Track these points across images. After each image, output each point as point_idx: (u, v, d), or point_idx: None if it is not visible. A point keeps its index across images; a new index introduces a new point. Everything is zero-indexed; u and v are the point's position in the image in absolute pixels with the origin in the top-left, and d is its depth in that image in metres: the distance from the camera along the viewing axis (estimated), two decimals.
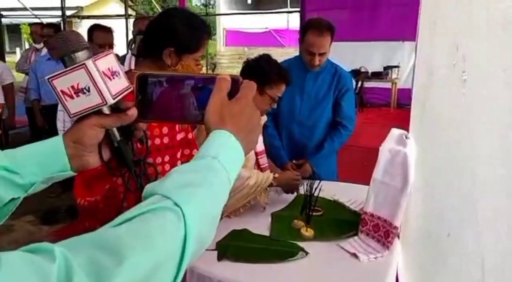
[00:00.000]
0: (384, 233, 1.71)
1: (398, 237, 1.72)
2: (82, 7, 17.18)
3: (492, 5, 0.67)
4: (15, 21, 16.45)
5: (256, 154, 2.26)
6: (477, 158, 0.73)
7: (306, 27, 2.56)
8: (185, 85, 0.73)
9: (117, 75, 0.74)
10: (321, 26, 2.49)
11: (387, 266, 1.61)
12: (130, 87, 0.76)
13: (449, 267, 0.90)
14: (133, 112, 0.74)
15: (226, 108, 0.68)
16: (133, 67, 3.84)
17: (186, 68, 1.59)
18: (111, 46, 3.78)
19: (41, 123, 4.60)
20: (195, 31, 1.60)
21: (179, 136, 1.67)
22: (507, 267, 0.60)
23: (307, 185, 1.96)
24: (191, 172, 0.61)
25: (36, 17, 11.15)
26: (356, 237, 1.80)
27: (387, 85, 9.39)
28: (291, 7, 16.35)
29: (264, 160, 2.34)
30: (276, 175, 2.08)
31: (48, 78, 0.69)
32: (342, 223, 1.93)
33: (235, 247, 1.70)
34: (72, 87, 0.69)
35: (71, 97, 0.70)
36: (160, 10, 15.35)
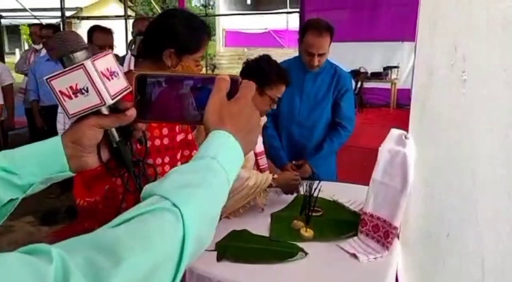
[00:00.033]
0: (383, 233, 1.71)
1: (398, 237, 1.72)
2: (81, 8, 17.18)
3: (492, 5, 0.67)
4: (14, 22, 16.47)
5: (256, 154, 2.26)
6: (477, 158, 0.73)
7: (305, 27, 2.56)
8: (184, 86, 0.73)
9: (116, 76, 0.74)
10: (320, 27, 2.49)
11: (386, 267, 1.61)
12: (129, 88, 0.76)
13: (449, 267, 0.90)
14: (132, 112, 0.74)
15: (225, 108, 0.67)
16: (132, 67, 3.83)
17: (186, 69, 1.59)
18: (111, 47, 3.78)
19: (40, 124, 4.60)
20: (195, 32, 1.60)
21: (179, 138, 1.67)
22: (507, 267, 0.60)
23: (306, 185, 1.96)
24: (190, 172, 0.60)
25: (35, 18, 11.16)
26: (355, 238, 1.80)
27: (387, 85, 9.40)
28: (290, 7, 16.36)
29: (263, 161, 2.34)
30: (275, 176, 2.08)
31: (47, 79, 0.68)
32: (342, 224, 1.92)
33: (234, 247, 1.70)
34: (71, 87, 0.69)
35: (70, 97, 0.69)
36: (159, 11, 15.34)
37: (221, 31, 20.39)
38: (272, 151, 2.64)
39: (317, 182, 1.93)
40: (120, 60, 4.18)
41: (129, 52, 4.23)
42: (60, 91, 0.69)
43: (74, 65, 0.69)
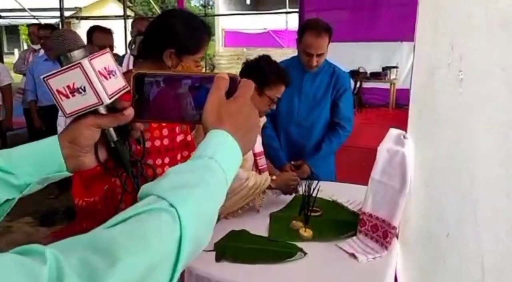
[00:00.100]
0: (382, 233, 1.71)
1: (397, 237, 1.72)
2: (80, 8, 17.17)
3: (491, 4, 0.67)
4: (13, 22, 16.45)
5: (255, 154, 2.26)
6: (476, 158, 0.73)
7: (304, 28, 2.56)
8: (183, 85, 0.72)
9: (113, 75, 0.74)
10: (318, 27, 2.49)
11: (385, 267, 1.60)
12: (127, 87, 0.75)
13: (449, 267, 0.89)
14: (130, 112, 0.73)
15: (224, 107, 0.67)
16: (131, 67, 3.83)
17: (186, 69, 1.59)
18: (111, 47, 3.76)
19: (38, 124, 4.60)
20: (196, 32, 1.60)
21: (179, 138, 1.67)
22: (507, 267, 0.59)
23: (305, 185, 1.95)
24: (187, 172, 0.60)
25: (34, 18, 11.15)
26: (354, 238, 1.80)
27: (386, 85, 9.39)
28: (289, 7, 16.34)
29: (262, 161, 2.33)
30: (274, 177, 2.07)
31: (44, 78, 0.68)
32: (341, 224, 1.92)
33: (233, 247, 1.69)
34: (68, 86, 0.68)
35: (67, 97, 0.69)
36: (159, 11, 15.33)
37: (220, 31, 20.36)
38: (271, 151, 2.63)
39: (316, 182, 1.92)
40: (120, 59, 4.17)
41: (128, 51, 4.22)
42: (57, 91, 0.69)
43: (71, 64, 0.68)
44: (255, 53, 2.85)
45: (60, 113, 3.60)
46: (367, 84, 9.52)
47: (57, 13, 10.16)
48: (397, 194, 1.62)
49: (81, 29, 12.34)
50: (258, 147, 2.29)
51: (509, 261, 0.59)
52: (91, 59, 0.69)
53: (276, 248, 1.71)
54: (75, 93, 0.69)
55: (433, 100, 1.13)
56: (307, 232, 1.82)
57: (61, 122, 3.68)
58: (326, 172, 2.66)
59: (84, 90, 0.69)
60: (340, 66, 2.77)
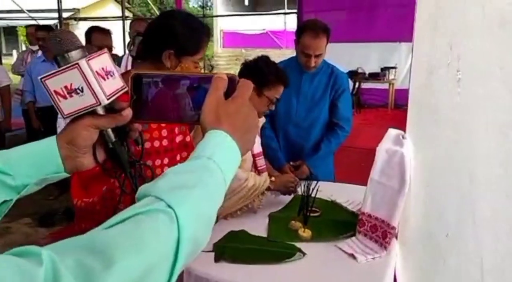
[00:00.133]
0: (381, 233, 1.70)
1: (396, 237, 1.72)
2: (78, 9, 17.14)
3: (489, 3, 0.67)
4: (11, 23, 16.43)
5: (254, 155, 2.25)
6: (476, 158, 0.73)
7: (302, 29, 2.56)
8: (181, 85, 0.72)
9: (111, 75, 0.73)
10: (316, 28, 2.49)
11: (385, 267, 1.60)
12: (125, 87, 0.75)
13: (448, 267, 0.89)
14: (128, 113, 0.73)
15: (222, 107, 0.67)
16: (130, 68, 3.82)
17: (185, 70, 1.59)
18: (110, 48, 3.74)
19: (36, 125, 4.60)
20: (195, 33, 1.60)
21: (178, 139, 1.66)
22: (507, 267, 0.59)
23: (304, 186, 1.95)
24: (185, 172, 0.60)
25: (32, 19, 11.13)
26: (353, 238, 1.80)
27: (385, 86, 9.42)
28: (288, 8, 16.39)
29: (262, 162, 2.33)
30: (273, 179, 2.07)
31: (41, 78, 0.68)
32: (340, 224, 1.92)
33: (232, 248, 1.69)
34: (65, 87, 0.68)
35: (65, 97, 0.69)
36: (157, 12, 15.34)
37: (219, 32, 20.36)
38: (270, 152, 2.63)
39: (315, 182, 1.92)
40: (118, 60, 4.16)
41: (127, 52, 4.21)
42: (55, 91, 0.68)
43: (69, 65, 0.68)
44: (253, 54, 2.85)
45: (59, 115, 3.58)
46: (365, 85, 9.54)
47: (55, 14, 10.12)
48: (396, 194, 1.62)
49: (80, 30, 12.33)
50: (257, 148, 2.28)
51: (508, 261, 0.59)
52: (88, 60, 0.69)
53: (275, 249, 1.71)
54: (73, 94, 0.68)
55: (432, 100, 1.13)
56: (306, 233, 1.82)
57: (61, 124, 3.66)
58: (325, 172, 2.66)
59: (82, 91, 0.68)
60: (339, 67, 2.77)
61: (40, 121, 4.56)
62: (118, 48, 7.97)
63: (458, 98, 0.81)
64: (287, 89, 2.22)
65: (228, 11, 20.65)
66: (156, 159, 1.58)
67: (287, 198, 2.19)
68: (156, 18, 1.73)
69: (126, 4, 14.84)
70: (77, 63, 0.67)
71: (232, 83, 0.70)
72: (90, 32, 3.69)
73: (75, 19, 15.92)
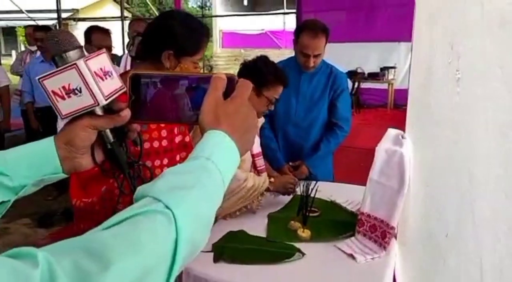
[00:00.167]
0: (381, 233, 1.70)
1: (395, 237, 1.72)
2: (77, 10, 17.13)
3: (487, 2, 0.66)
4: (10, 23, 16.42)
5: (253, 155, 2.25)
6: (475, 158, 0.72)
7: (301, 28, 2.56)
8: (180, 85, 0.72)
9: (109, 76, 0.73)
10: (315, 28, 2.49)
11: (384, 267, 1.60)
12: (124, 88, 0.75)
13: (448, 267, 0.89)
14: (126, 113, 0.72)
15: (221, 107, 0.66)
16: (129, 67, 3.81)
17: (185, 70, 1.58)
18: (110, 48, 3.72)
19: (35, 125, 4.59)
20: (194, 33, 1.60)
21: (177, 139, 1.66)
22: (505, 267, 0.59)
23: (303, 186, 1.95)
24: (183, 173, 0.59)
25: (31, 20, 11.12)
26: (353, 238, 1.80)
27: (384, 86, 9.41)
28: (287, 8, 16.39)
29: (261, 162, 2.33)
30: (272, 180, 2.07)
31: (39, 78, 0.67)
32: (339, 224, 1.92)
33: (231, 248, 1.69)
34: (63, 87, 0.68)
35: (63, 98, 0.68)
36: (156, 12, 15.33)
37: (218, 32, 20.36)
38: (269, 152, 2.63)
39: (314, 182, 1.92)
40: (117, 60, 4.15)
41: (126, 52, 4.20)
42: (53, 92, 0.68)
43: (66, 65, 0.67)
44: (252, 54, 2.84)
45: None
46: (365, 85, 9.54)
47: (54, 15, 10.12)
48: (396, 194, 1.62)
49: (79, 30, 12.33)
50: (256, 148, 2.28)
51: (507, 261, 0.58)
52: (86, 60, 0.68)
53: (274, 249, 1.71)
54: (71, 95, 0.68)
55: (431, 100, 1.13)
56: (305, 233, 1.82)
57: (61, 125, 3.64)
58: (324, 172, 2.66)
59: (80, 91, 0.68)
60: (338, 67, 2.77)
61: (39, 121, 4.56)
62: (117, 48, 7.96)
63: (457, 98, 0.81)
64: (286, 89, 2.22)
65: (227, 11, 20.65)
66: (156, 159, 1.58)
67: (286, 198, 2.19)
68: (156, 19, 1.73)
69: (125, 5, 14.82)
70: (75, 64, 0.67)
71: (231, 83, 0.69)
72: (89, 31, 3.65)
73: (74, 19, 15.93)
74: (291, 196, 2.19)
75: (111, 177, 0.81)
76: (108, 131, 0.76)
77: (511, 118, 0.57)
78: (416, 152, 1.47)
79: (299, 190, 2.07)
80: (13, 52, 18.65)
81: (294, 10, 9.85)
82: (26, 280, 0.39)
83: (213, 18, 19.13)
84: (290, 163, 2.66)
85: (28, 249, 0.43)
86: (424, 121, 1.27)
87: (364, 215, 1.79)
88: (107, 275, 0.43)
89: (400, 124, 1.67)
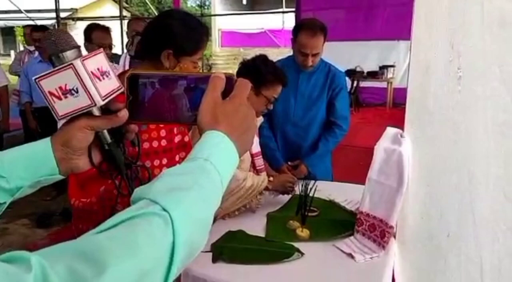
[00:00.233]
0: (380, 232, 1.70)
1: (394, 236, 1.72)
2: (76, 9, 17.11)
3: (487, 2, 0.66)
4: (9, 23, 16.40)
5: (252, 155, 2.25)
6: (475, 157, 0.72)
7: (299, 27, 2.55)
8: (178, 85, 0.71)
9: (107, 76, 0.72)
10: (313, 27, 2.48)
11: (383, 266, 1.60)
12: (121, 88, 0.74)
13: (449, 267, 0.89)
14: (124, 114, 0.72)
15: (220, 107, 0.66)
16: (128, 66, 3.80)
17: (184, 70, 1.58)
18: (110, 46, 3.69)
19: (33, 125, 4.58)
20: (194, 33, 1.59)
21: (177, 139, 1.66)
22: (504, 267, 0.59)
23: (302, 185, 1.95)
24: (181, 174, 0.58)
25: (30, 19, 11.11)
26: (352, 237, 1.80)
27: (383, 84, 9.41)
28: (286, 7, 16.36)
29: (260, 161, 2.33)
30: (271, 179, 2.07)
31: (35, 79, 0.67)
32: (338, 223, 1.92)
33: (230, 248, 1.69)
34: (60, 88, 0.67)
35: (59, 98, 0.68)
36: (155, 12, 15.32)
37: (217, 32, 20.35)
38: (268, 152, 2.63)
39: (313, 181, 1.92)
40: (117, 59, 4.13)
41: (125, 51, 4.18)
42: (49, 92, 0.67)
43: (63, 65, 0.67)
44: (252, 53, 2.84)
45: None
46: (364, 84, 9.54)
47: (53, 14, 10.12)
48: (395, 193, 1.61)
49: (77, 30, 12.30)
50: (255, 147, 2.28)
51: (506, 261, 0.58)
52: (83, 60, 0.68)
53: (273, 249, 1.71)
54: (68, 95, 0.67)
55: (430, 99, 1.12)
56: (304, 232, 1.82)
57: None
58: (322, 171, 2.66)
59: (77, 92, 0.67)
60: (337, 66, 2.77)
61: (37, 121, 4.55)
62: (116, 47, 7.95)
63: (458, 97, 0.81)
64: (285, 89, 2.21)
65: (226, 10, 20.65)
66: (155, 159, 1.57)
67: (285, 198, 2.19)
68: (155, 18, 1.72)
69: (124, 4, 14.80)
70: (71, 64, 0.66)
71: (229, 82, 0.69)
72: (90, 30, 3.61)
73: (72, 19, 15.90)
74: (290, 196, 2.18)
75: (108, 178, 0.80)
76: (105, 132, 0.76)
77: (511, 118, 0.57)
78: (415, 150, 1.46)
79: (298, 189, 2.07)
80: (12, 52, 18.64)
81: (293, 9, 9.85)
82: None
83: (212, 17, 19.11)
84: (289, 163, 2.66)
85: (21, 253, 0.42)
86: (423, 120, 1.26)
87: (363, 214, 1.78)
88: (102, 279, 0.42)
89: (399, 123, 1.66)
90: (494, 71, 0.61)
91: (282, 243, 1.76)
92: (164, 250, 0.50)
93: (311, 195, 1.88)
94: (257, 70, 2.09)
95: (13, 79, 5.63)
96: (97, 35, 3.58)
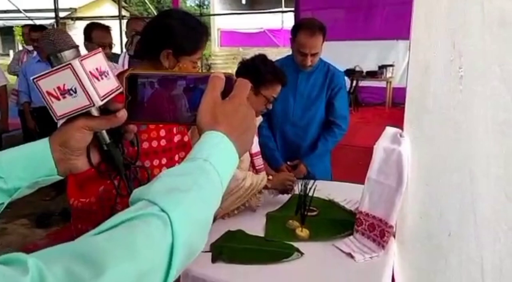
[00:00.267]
0: (379, 232, 1.70)
1: (394, 236, 1.71)
2: (75, 9, 17.10)
3: (486, 1, 0.66)
4: (8, 23, 16.39)
5: (251, 155, 2.25)
6: (475, 157, 0.72)
7: (298, 27, 2.55)
8: (177, 85, 0.71)
9: (105, 76, 0.72)
10: (312, 27, 2.48)
11: (383, 266, 1.60)
12: (120, 88, 0.74)
13: (449, 267, 0.89)
14: (123, 114, 0.71)
15: (219, 107, 0.65)
16: (127, 66, 3.78)
17: (183, 70, 1.58)
18: (110, 46, 3.67)
19: (32, 126, 4.57)
20: (193, 32, 1.59)
21: (176, 139, 1.65)
22: (505, 267, 0.59)
23: (301, 185, 1.95)
24: (180, 175, 0.58)
25: (29, 19, 11.10)
26: (351, 237, 1.79)
27: (382, 84, 9.41)
28: (285, 7, 16.36)
29: (259, 161, 2.32)
30: (270, 177, 2.07)
31: (33, 79, 0.66)
32: (337, 223, 1.92)
33: (229, 248, 1.68)
34: (58, 88, 0.67)
35: (57, 98, 0.67)
36: (154, 11, 15.31)
37: (216, 31, 20.34)
38: (267, 152, 2.62)
39: (312, 181, 1.91)
40: (116, 58, 4.12)
41: (124, 50, 4.17)
42: (48, 92, 0.67)
43: (62, 65, 0.66)
44: (251, 52, 2.83)
45: None
46: (363, 83, 9.54)
47: (52, 14, 10.10)
48: (394, 192, 1.61)
49: (76, 29, 12.30)
50: (255, 147, 2.28)
51: (507, 261, 0.58)
52: (82, 60, 0.67)
53: (273, 248, 1.70)
54: (66, 95, 0.67)
55: (430, 99, 1.12)
56: (303, 232, 1.82)
57: None
58: (322, 171, 2.66)
59: (75, 92, 0.67)
60: (336, 65, 2.77)
61: (36, 122, 4.54)
62: (115, 47, 7.95)
63: (460, 96, 0.81)
64: (284, 88, 2.21)
65: (225, 10, 20.64)
66: (154, 159, 1.57)
67: (285, 198, 2.19)
68: (154, 17, 1.72)
69: (123, 4, 14.76)
70: (69, 63, 0.66)
71: (229, 82, 0.68)
72: (90, 29, 3.58)
73: (71, 18, 15.89)
74: (289, 195, 2.18)
75: (107, 178, 0.80)
76: (104, 132, 0.75)
77: (511, 117, 0.57)
78: (414, 150, 1.46)
79: (297, 189, 2.06)
80: (11, 52, 18.61)
81: (293, 9, 9.84)
82: None
83: (211, 17, 19.11)
84: (288, 162, 2.66)
85: (18, 255, 0.41)
86: (422, 120, 1.26)
87: (362, 214, 1.78)
88: (100, 281, 0.42)
89: (398, 122, 1.66)
90: (495, 70, 0.61)
91: (281, 242, 1.75)
92: (163, 251, 0.49)
93: (310, 194, 1.88)
94: (256, 70, 2.08)
95: (12, 79, 5.62)
96: (97, 34, 3.55)
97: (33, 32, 4.86)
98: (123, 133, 0.77)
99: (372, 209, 1.74)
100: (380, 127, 1.78)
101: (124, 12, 13.45)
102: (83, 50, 0.73)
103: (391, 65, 9.28)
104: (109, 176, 0.79)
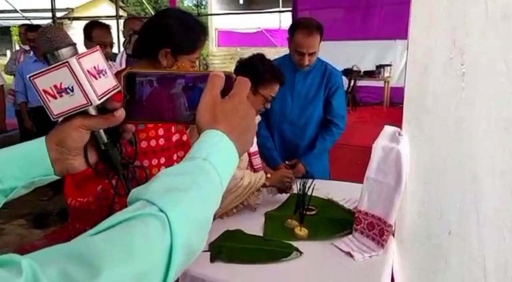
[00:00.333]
0: (378, 231, 1.69)
1: (393, 235, 1.71)
2: (72, 9, 17.06)
3: None
4: (5, 23, 16.34)
5: (249, 154, 2.24)
6: (478, 155, 0.71)
7: (295, 27, 2.55)
8: (176, 84, 0.70)
9: (103, 74, 0.71)
10: (310, 26, 2.48)
11: (382, 265, 1.59)
12: (118, 87, 0.73)
13: (450, 266, 0.88)
14: (121, 113, 0.70)
15: (219, 106, 0.64)
16: (124, 65, 3.77)
17: (182, 69, 1.57)
18: (111, 44, 3.63)
19: (29, 126, 4.55)
20: (192, 32, 1.58)
21: (175, 138, 1.64)
22: (510, 266, 0.58)
23: (300, 184, 1.94)
24: (179, 174, 0.57)
25: (26, 19, 11.08)
26: (350, 236, 1.79)
27: (380, 84, 9.43)
28: (283, 6, 16.36)
29: (257, 161, 2.32)
30: (269, 175, 2.06)
31: (30, 77, 0.65)
32: (336, 222, 1.91)
33: (228, 248, 1.68)
34: (55, 86, 0.66)
35: (54, 97, 0.66)
36: (151, 11, 15.27)
37: (214, 31, 20.31)
38: (265, 151, 2.62)
39: (311, 180, 1.91)
40: (114, 57, 4.10)
41: (121, 49, 4.15)
42: (44, 90, 0.66)
43: (58, 63, 0.65)
44: (248, 52, 2.83)
45: None
46: (361, 83, 9.56)
47: (49, 14, 10.07)
48: (393, 191, 1.61)
49: (74, 29, 12.27)
50: (253, 146, 2.27)
51: (511, 260, 0.57)
52: (79, 58, 0.66)
53: (272, 248, 1.70)
54: (63, 94, 0.66)
55: (429, 98, 1.12)
56: (302, 231, 1.81)
57: None
58: (320, 170, 2.66)
59: (72, 91, 0.66)
60: (334, 65, 2.76)
61: (33, 122, 4.52)
62: (114, 48, 7.93)
63: (462, 94, 0.80)
64: (282, 88, 2.21)
65: (223, 10, 20.60)
66: (153, 158, 1.56)
67: (283, 197, 2.18)
68: (152, 17, 1.71)
69: (120, 3, 14.75)
70: (67, 62, 0.65)
71: (229, 81, 0.67)
72: (90, 27, 3.52)
73: (69, 18, 15.85)
74: (288, 195, 2.18)
75: (105, 178, 0.79)
76: (101, 131, 0.74)
77: None
78: (413, 149, 1.46)
79: (295, 188, 2.06)
80: (8, 52, 18.58)
81: (290, 8, 9.83)
82: None
83: (209, 17, 19.07)
84: (287, 162, 2.65)
85: (12, 256, 0.40)
86: (421, 119, 1.26)
87: (361, 213, 1.78)
88: None
89: (396, 122, 1.66)
90: (499, 67, 0.60)
91: (280, 242, 1.75)
92: (161, 252, 0.48)
93: (309, 193, 1.87)
94: (254, 69, 2.08)
95: (9, 79, 5.60)
96: (97, 33, 3.51)
97: (30, 32, 4.84)
98: (121, 132, 0.76)
99: (371, 207, 1.74)
100: (378, 126, 1.78)
101: (121, 12, 13.43)
102: (82, 50, 0.71)
103: (389, 65, 9.30)
104: (107, 175, 0.78)
